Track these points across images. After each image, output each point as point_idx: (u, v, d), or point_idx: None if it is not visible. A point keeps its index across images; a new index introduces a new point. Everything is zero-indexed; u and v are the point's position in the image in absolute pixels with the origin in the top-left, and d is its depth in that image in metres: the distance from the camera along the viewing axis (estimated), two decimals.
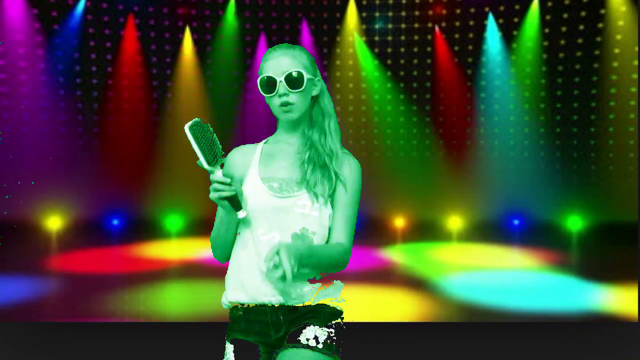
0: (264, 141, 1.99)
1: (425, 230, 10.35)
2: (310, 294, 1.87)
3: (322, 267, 1.86)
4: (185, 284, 6.52)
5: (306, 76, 1.86)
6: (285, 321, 1.86)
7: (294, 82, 1.84)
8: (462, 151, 11.97)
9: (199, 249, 8.13)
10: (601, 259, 8.29)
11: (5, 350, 4.20)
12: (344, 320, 1.95)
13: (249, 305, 1.88)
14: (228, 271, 1.92)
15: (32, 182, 9.77)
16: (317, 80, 1.94)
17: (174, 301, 5.90)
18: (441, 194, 11.22)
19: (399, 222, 10.96)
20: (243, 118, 11.74)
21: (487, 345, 4.33)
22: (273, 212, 1.84)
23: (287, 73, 1.84)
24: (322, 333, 1.86)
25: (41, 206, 10.04)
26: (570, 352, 4.23)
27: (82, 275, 6.87)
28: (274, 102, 1.87)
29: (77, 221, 10.33)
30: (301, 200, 1.84)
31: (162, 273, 6.99)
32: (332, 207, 1.89)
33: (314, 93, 1.93)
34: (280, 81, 1.84)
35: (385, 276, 7.04)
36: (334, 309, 1.92)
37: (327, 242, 1.90)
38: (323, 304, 1.90)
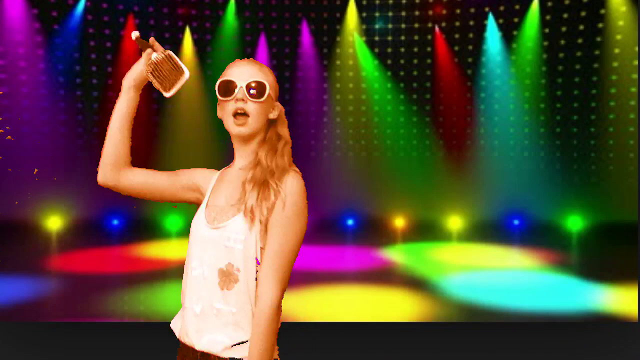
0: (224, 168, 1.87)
1: (425, 230, 10.35)
2: (221, 346, 1.65)
3: (272, 342, 1.62)
4: None
5: (268, 90, 1.73)
6: None
7: (255, 90, 1.71)
8: (462, 151, 11.97)
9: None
10: (601, 259, 8.28)
11: (5, 350, 4.20)
12: None
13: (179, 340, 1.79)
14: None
15: (35, 171, 9.75)
16: (277, 105, 1.80)
17: (174, 301, 5.89)
18: (441, 194, 11.23)
19: (399, 222, 10.96)
20: None
21: (487, 345, 4.33)
22: (204, 244, 1.71)
23: (249, 80, 1.72)
24: None
25: (41, 206, 10.05)
26: (570, 352, 4.22)
27: (82, 275, 6.86)
28: (229, 108, 1.71)
29: (77, 221, 10.33)
30: (227, 232, 1.65)
31: (162, 273, 7.00)
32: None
33: (272, 116, 1.77)
34: (241, 86, 1.71)
35: (385, 276, 7.04)
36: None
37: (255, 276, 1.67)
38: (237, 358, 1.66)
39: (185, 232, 10.11)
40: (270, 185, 1.65)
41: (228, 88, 1.72)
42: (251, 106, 1.71)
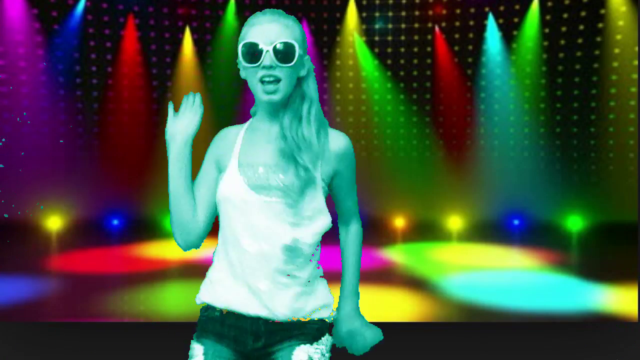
0: (245, 126, 1.71)
1: (425, 230, 10.34)
2: (302, 312, 1.65)
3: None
4: (185, 284, 6.50)
5: (298, 50, 1.55)
6: (266, 331, 1.62)
7: (283, 54, 1.52)
8: (462, 151, 11.97)
9: (199, 249, 8.12)
10: (601, 259, 8.28)
11: (5, 350, 4.20)
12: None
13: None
14: (213, 267, 1.71)
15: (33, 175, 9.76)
16: (307, 60, 1.62)
17: (174, 301, 5.89)
18: (441, 194, 11.23)
19: (399, 222, 10.96)
20: (243, 118, 11.73)
21: (487, 345, 4.33)
22: (253, 210, 1.58)
23: (276, 43, 1.52)
24: (314, 352, 1.64)
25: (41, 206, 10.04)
26: (570, 352, 4.22)
27: (82, 275, 6.86)
28: (256, 75, 1.55)
29: (77, 221, 10.32)
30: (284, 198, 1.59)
31: (162, 273, 6.99)
32: (333, 191, 1.74)
33: (302, 73, 1.61)
34: (267, 51, 1.52)
35: (385, 276, 7.04)
36: (320, 321, 1.69)
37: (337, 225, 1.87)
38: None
39: None
40: (299, 163, 1.56)
41: (253, 53, 1.53)
42: (280, 72, 1.54)
